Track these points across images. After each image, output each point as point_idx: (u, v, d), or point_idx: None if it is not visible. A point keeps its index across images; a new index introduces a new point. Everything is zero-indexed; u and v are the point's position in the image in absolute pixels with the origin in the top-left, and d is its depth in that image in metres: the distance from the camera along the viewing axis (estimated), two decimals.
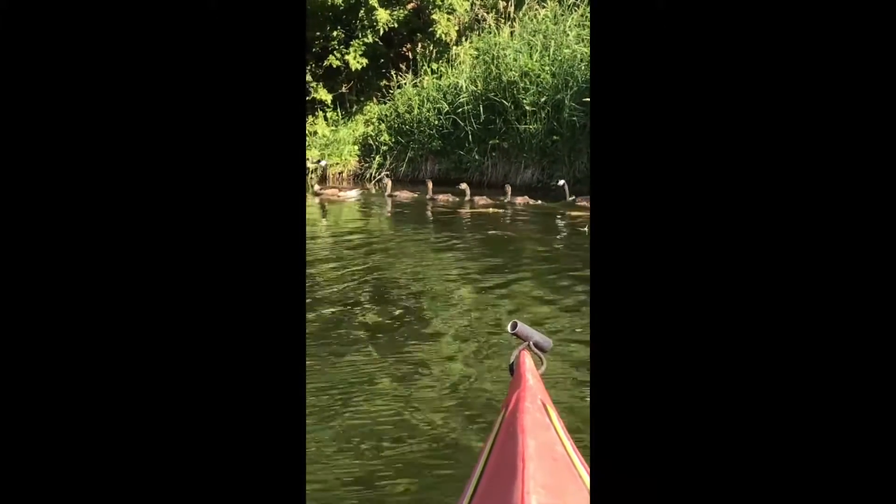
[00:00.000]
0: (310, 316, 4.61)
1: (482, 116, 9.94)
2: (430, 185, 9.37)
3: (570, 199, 8.34)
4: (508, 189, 8.78)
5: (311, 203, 9.35)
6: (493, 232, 7.36)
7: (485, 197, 8.74)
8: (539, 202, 8.52)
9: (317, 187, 10.00)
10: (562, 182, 8.59)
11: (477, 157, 10.02)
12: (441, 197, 9.02)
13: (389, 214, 8.80)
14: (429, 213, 8.62)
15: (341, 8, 10.50)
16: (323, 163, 10.65)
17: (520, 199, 8.58)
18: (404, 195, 9.44)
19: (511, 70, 9.79)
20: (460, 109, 10.12)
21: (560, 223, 7.73)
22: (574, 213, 7.97)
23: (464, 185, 9.03)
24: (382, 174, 10.67)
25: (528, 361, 2.06)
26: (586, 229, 6.90)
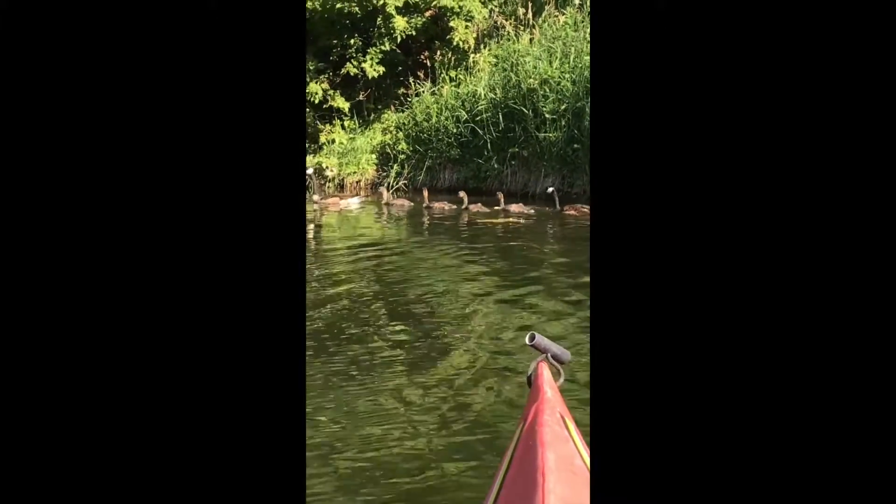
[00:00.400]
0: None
1: (501, 124, 9.86)
2: (426, 193, 9.52)
3: (558, 208, 8.49)
4: (501, 196, 8.90)
5: (311, 213, 9.44)
6: (487, 237, 7.54)
7: (479, 204, 8.84)
8: (532, 210, 8.61)
9: (316, 196, 10.00)
10: (551, 189, 8.80)
11: (496, 165, 9.93)
12: (437, 205, 9.15)
13: (385, 223, 8.91)
14: (425, 221, 8.75)
15: (358, 16, 10.46)
16: (309, 170, 10.58)
17: (514, 207, 8.69)
18: (401, 203, 9.57)
19: (530, 77, 9.69)
20: (479, 117, 10.04)
21: (551, 229, 7.88)
22: (565, 220, 8.15)
23: (462, 193, 9.10)
24: (400, 183, 10.56)
25: (546, 373, 2.05)
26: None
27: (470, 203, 8.91)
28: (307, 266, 6.31)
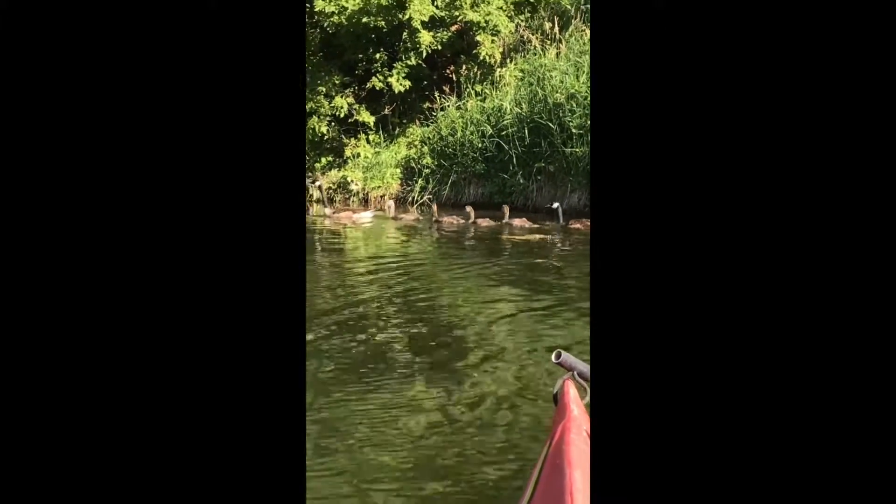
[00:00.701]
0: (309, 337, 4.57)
1: (527, 139, 9.79)
2: (434, 208, 9.68)
3: (563, 223, 8.56)
4: (506, 210, 8.95)
5: (323, 226, 9.52)
6: (493, 251, 7.64)
7: (487, 219, 8.93)
8: (536, 225, 8.64)
9: (328, 210, 10.05)
10: (556, 205, 8.84)
11: (521, 180, 9.86)
12: (446, 219, 9.22)
13: (393, 237, 8.97)
14: (433, 235, 8.79)
15: (384, 30, 10.46)
16: (318, 183, 10.64)
17: (517, 221, 8.76)
18: (410, 217, 9.65)
19: (557, 92, 9.62)
20: (504, 132, 9.98)
21: (558, 244, 7.92)
22: (571, 234, 8.19)
23: (469, 208, 9.17)
24: (424, 198, 10.51)
25: (572, 391, 2.05)
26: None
27: (477, 217, 8.99)
28: (316, 279, 6.37)
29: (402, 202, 10.79)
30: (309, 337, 4.59)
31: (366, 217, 9.74)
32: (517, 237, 8.25)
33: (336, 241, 8.75)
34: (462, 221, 9.06)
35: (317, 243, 8.52)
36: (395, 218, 9.70)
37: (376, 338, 4.73)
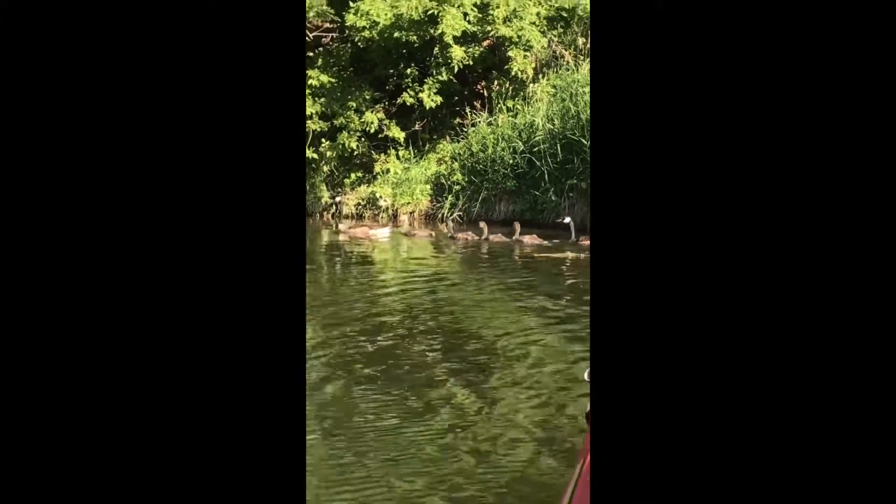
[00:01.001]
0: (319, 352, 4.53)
1: (559, 155, 9.67)
2: (450, 224, 9.84)
3: (574, 239, 8.55)
4: (517, 226, 8.96)
5: (338, 242, 9.59)
6: (505, 267, 7.72)
7: (499, 235, 8.98)
8: (546, 242, 8.63)
9: (342, 226, 10.11)
10: (567, 220, 8.83)
11: (553, 197, 9.72)
12: (460, 235, 9.28)
13: (404, 252, 9.02)
14: (447, 251, 8.87)
15: (416, 45, 10.41)
16: (337, 199, 10.72)
17: (527, 238, 8.78)
18: (424, 234, 9.68)
19: (589, 108, 9.44)
20: (536, 148, 9.90)
21: (567, 262, 7.92)
22: (582, 249, 8.16)
23: (483, 224, 9.21)
24: (454, 214, 10.41)
25: None
26: None
27: (490, 234, 9.03)
28: (326, 292, 6.45)
29: (431, 218, 10.71)
30: (318, 347, 4.58)
31: (383, 233, 9.68)
32: (527, 254, 8.28)
33: (350, 256, 8.77)
34: (476, 237, 9.08)
35: (334, 258, 8.64)
36: (408, 234, 9.75)
37: (387, 349, 4.72)
